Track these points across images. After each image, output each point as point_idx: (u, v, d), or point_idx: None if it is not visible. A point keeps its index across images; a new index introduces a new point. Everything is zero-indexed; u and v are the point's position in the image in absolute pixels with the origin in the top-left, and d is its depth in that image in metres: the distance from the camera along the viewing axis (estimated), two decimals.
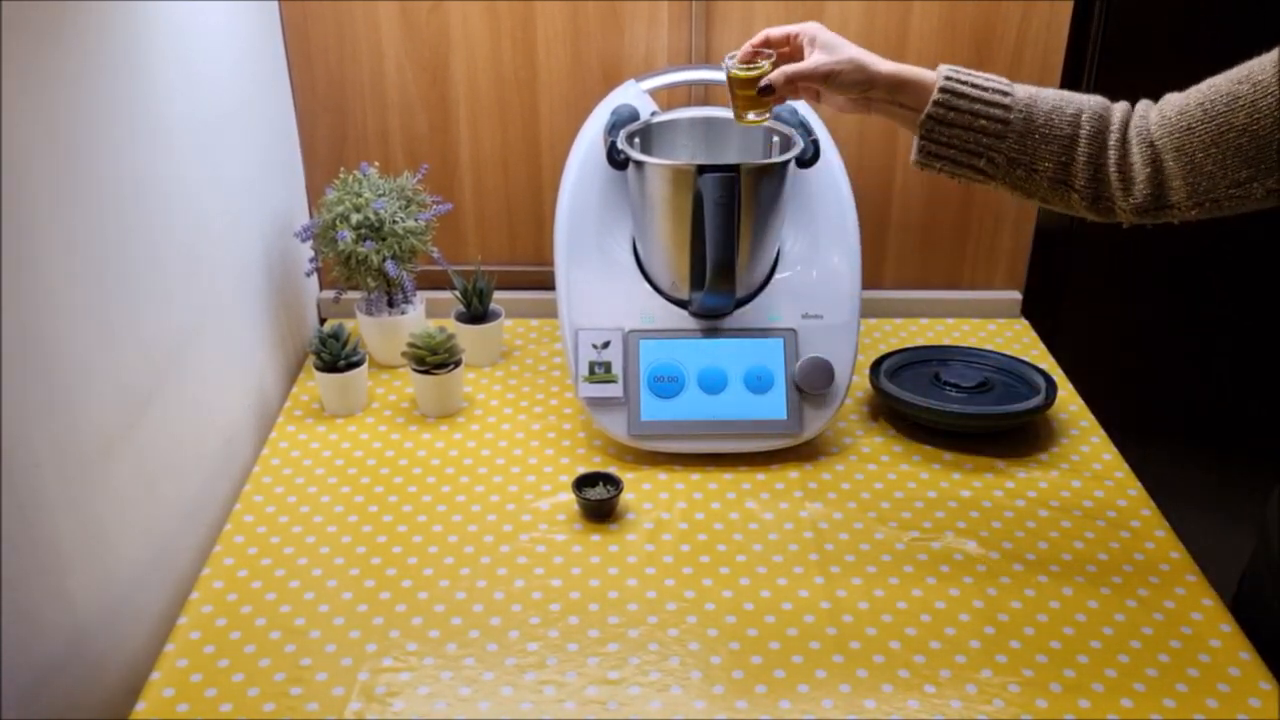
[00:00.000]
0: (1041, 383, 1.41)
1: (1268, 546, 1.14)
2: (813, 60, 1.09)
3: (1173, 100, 1.02)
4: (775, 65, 1.12)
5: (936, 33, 1.51)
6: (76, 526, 0.97)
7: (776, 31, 1.14)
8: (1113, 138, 1.04)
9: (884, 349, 1.57)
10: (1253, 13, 1.63)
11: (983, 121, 1.05)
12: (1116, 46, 1.63)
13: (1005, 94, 1.05)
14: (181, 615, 1.09)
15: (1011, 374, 1.46)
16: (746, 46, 1.14)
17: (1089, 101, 1.06)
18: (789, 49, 1.13)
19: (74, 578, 0.97)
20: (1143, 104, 1.05)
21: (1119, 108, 1.06)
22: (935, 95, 1.05)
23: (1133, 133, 1.03)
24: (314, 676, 1.02)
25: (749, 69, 1.12)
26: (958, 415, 1.35)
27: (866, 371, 1.46)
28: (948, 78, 1.06)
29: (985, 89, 1.05)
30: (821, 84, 1.09)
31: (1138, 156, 1.02)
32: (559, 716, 0.98)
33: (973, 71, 1.07)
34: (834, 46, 1.09)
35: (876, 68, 1.08)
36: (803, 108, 1.38)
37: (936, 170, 1.09)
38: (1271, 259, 1.78)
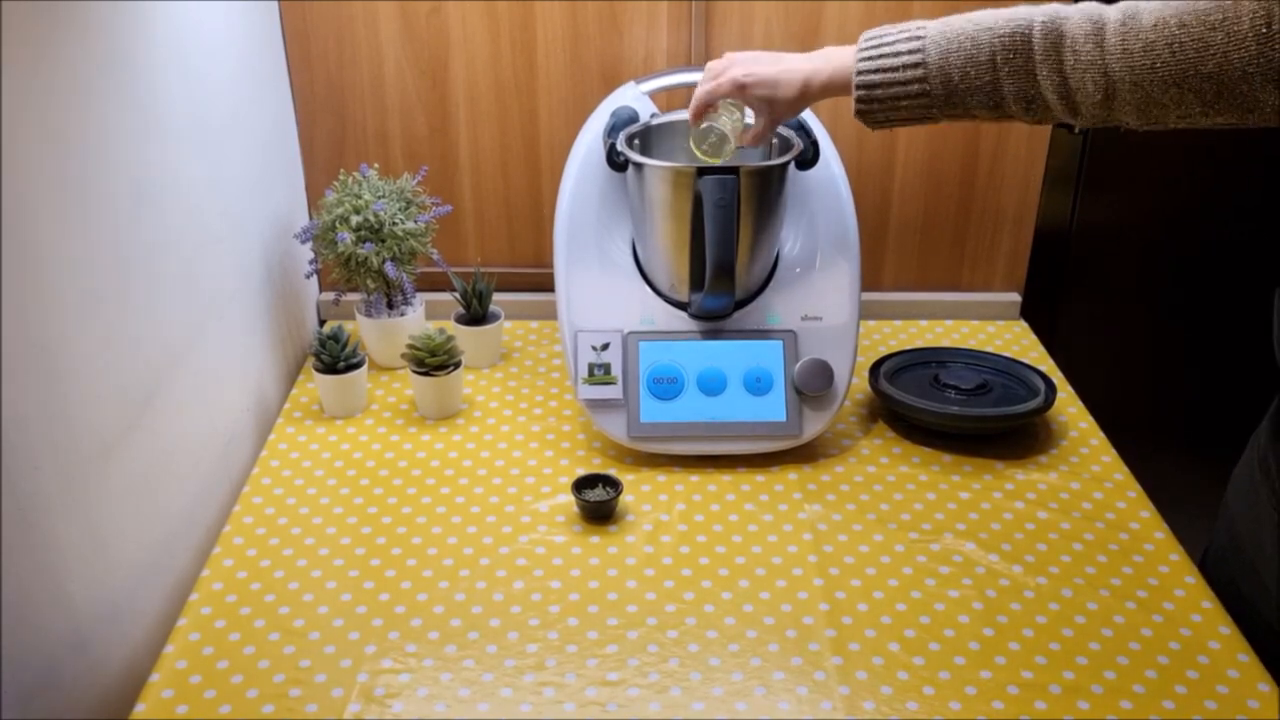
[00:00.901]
0: (1040, 385, 1.41)
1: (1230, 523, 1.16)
2: (757, 128, 1.20)
3: (1135, 30, 0.96)
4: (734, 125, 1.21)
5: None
6: (76, 528, 0.97)
7: (703, 93, 1.21)
8: (1043, 69, 1.01)
9: (883, 350, 1.58)
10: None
11: (905, 102, 1.08)
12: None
13: (917, 64, 1.06)
14: (181, 617, 1.09)
15: (1011, 376, 1.46)
16: (691, 111, 1.22)
17: (1003, 34, 1.02)
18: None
19: (73, 579, 0.97)
20: (1087, 20, 0.99)
21: (1040, 25, 1.01)
22: (854, 94, 1.10)
23: (1075, 59, 0.99)
24: (313, 678, 1.02)
25: (718, 153, 1.23)
26: (957, 417, 1.35)
27: (866, 373, 1.46)
28: (860, 71, 1.09)
29: (898, 68, 1.08)
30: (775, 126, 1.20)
31: (1088, 84, 0.99)
32: (558, 718, 0.98)
33: (885, 37, 1.09)
34: (763, 102, 1.17)
35: (795, 109, 1.17)
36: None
37: (891, 129, 1.13)
38: (1271, 261, 1.78)
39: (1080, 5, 1.01)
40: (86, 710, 0.99)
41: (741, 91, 1.18)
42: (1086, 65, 0.99)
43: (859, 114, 1.11)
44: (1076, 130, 1.08)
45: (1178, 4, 0.94)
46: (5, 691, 0.87)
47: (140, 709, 0.98)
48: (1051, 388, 1.40)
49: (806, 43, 1.52)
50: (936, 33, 1.06)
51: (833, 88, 1.13)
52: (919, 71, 1.06)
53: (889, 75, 1.08)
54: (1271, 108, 0.93)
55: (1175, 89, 0.96)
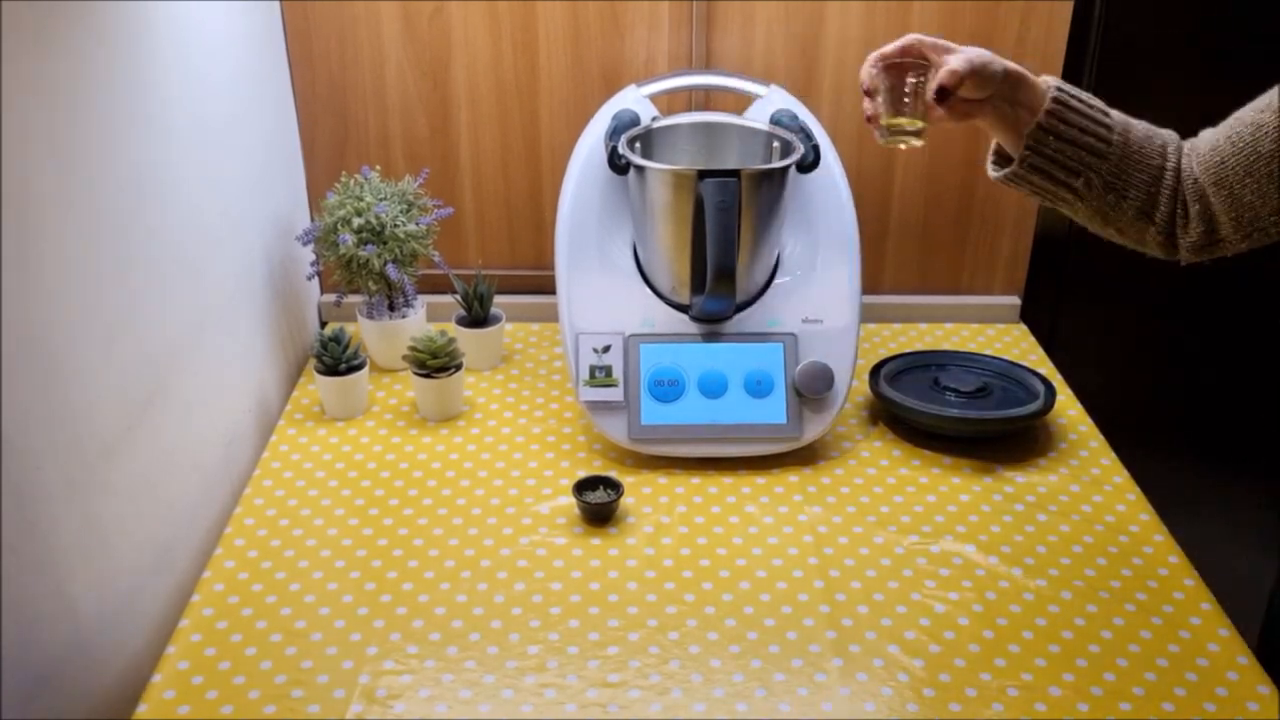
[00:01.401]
0: (1040, 388, 1.41)
1: None
2: (963, 58, 1.04)
3: (1206, 136, 1.04)
4: (920, 78, 1.07)
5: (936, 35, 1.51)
6: (77, 529, 0.97)
7: (889, 49, 1.07)
8: (1171, 179, 1.05)
9: (883, 353, 1.58)
10: (1251, 13, 1.64)
11: (1089, 138, 1.04)
12: (1116, 47, 1.63)
13: (1106, 114, 1.05)
14: (183, 617, 1.09)
15: (1010, 379, 1.46)
16: (872, 65, 1.07)
17: (1169, 134, 1.07)
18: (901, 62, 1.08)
19: (75, 580, 0.97)
20: (1189, 141, 1.06)
21: (1174, 144, 1.06)
22: (1048, 104, 1.04)
23: (1183, 173, 1.05)
24: (315, 679, 1.02)
25: (911, 119, 1.07)
26: (957, 420, 1.36)
27: (866, 376, 1.46)
28: (1059, 88, 1.04)
29: (1091, 105, 1.05)
30: (974, 78, 1.04)
31: (1190, 196, 1.04)
32: (559, 719, 0.98)
33: (1078, 91, 1.06)
34: (957, 46, 1.06)
35: (999, 66, 1.04)
36: (801, 111, 1.38)
37: (1029, 187, 1.07)
38: (1273, 264, 1.78)
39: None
40: (88, 711, 1.00)
41: (920, 41, 1.07)
42: (1187, 177, 1.04)
43: (1038, 128, 1.04)
44: (1183, 263, 1.08)
45: (1244, 107, 1.01)
46: (7, 691, 0.87)
47: (142, 709, 0.98)
48: (1051, 390, 1.40)
49: (808, 44, 1.52)
50: (1116, 112, 1.06)
51: (1019, 78, 1.04)
52: (1107, 119, 1.05)
53: (1082, 105, 1.05)
54: None
55: (1249, 178, 0.99)
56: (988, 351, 1.58)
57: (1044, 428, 1.41)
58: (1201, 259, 1.06)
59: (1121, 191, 1.05)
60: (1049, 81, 1.05)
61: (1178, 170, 1.05)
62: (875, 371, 1.46)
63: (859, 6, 1.50)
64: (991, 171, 1.11)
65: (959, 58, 1.04)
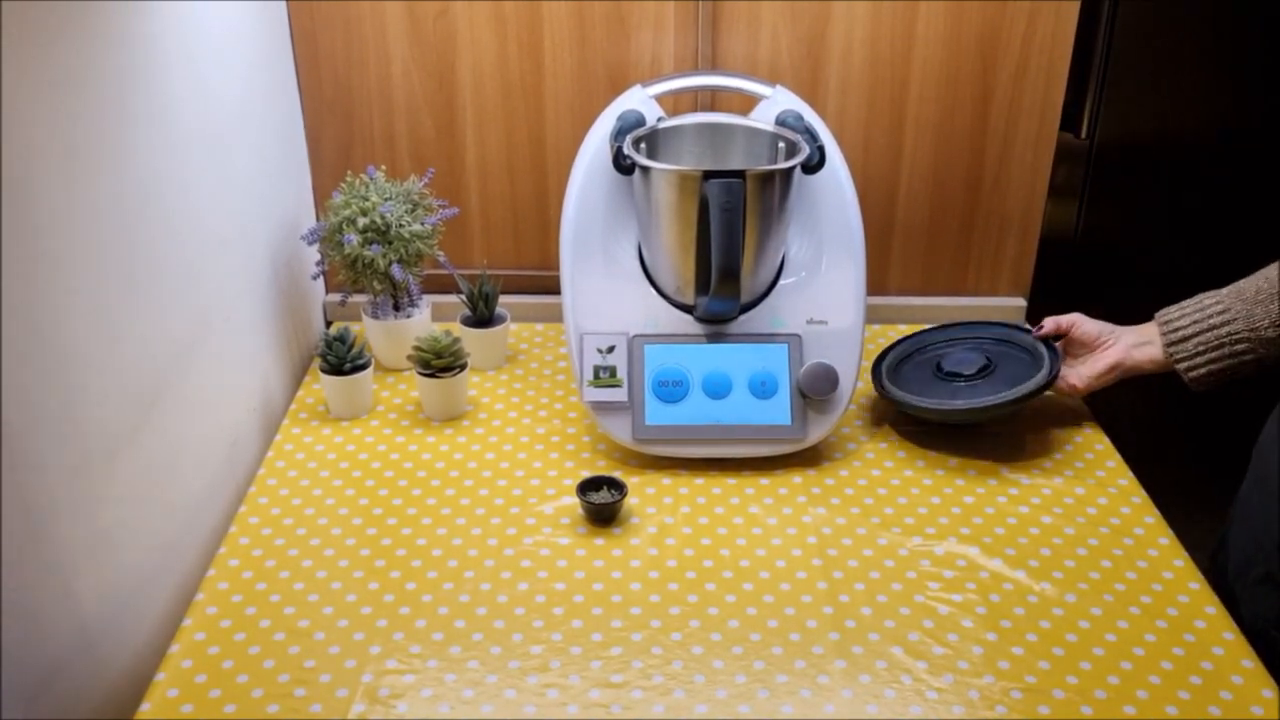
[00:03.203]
0: (1043, 351, 1.39)
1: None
2: (1102, 366, 1.33)
3: None
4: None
5: (942, 37, 1.51)
6: (82, 527, 0.97)
7: (1051, 330, 1.38)
8: None
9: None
10: (1259, 18, 1.63)
11: (1207, 317, 1.25)
12: (1122, 50, 1.63)
13: (1209, 296, 1.26)
14: (186, 616, 1.10)
15: (1012, 345, 1.43)
16: (1048, 326, 1.38)
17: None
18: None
19: (79, 578, 0.98)
20: None
21: None
22: (1159, 327, 1.28)
23: None
24: (318, 678, 1.02)
25: None
26: (965, 411, 1.34)
27: (869, 375, 1.45)
28: (1161, 311, 1.29)
29: (1190, 302, 1.27)
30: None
31: None
32: (561, 719, 0.98)
33: (1192, 325, 1.27)
34: (1105, 344, 1.34)
35: (1135, 357, 1.32)
36: (807, 112, 1.38)
37: (1218, 380, 1.27)
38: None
39: None
40: (92, 709, 1.00)
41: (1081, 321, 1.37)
42: None
43: (1169, 352, 1.29)
44: None
45: None
46: (11, 690, 0.88)
47: (145, 708, 0.99)
48: (1055, 353, 1.38)
49: (813, 45, 1.52)
50: (1232, 298, 1.25)
51: (1141, 339, 1.32)
52: (1211, 295, 1.26)
53: (1186, 306, 1.28)
54: None
55: None
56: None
57: (1048, 430, 1.41)
58: None
59: (1275, 323, 1.21)
60: (1163, 343, 1.29)
61: None
62: (877, 367, 1.45)
63: (865, 7, 1.50)
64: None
65: (1084, 373, 1.34)
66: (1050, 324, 1.37)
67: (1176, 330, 1.27)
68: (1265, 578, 1.17)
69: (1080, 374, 1.34)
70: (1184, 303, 1.28)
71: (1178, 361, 1.27)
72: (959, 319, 1.68)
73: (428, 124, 1.58)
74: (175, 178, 1.15)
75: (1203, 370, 1.26)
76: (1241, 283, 1.24)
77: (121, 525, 1.05)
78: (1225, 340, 1.24)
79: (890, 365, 1.45)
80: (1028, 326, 1.45)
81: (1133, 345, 1.32)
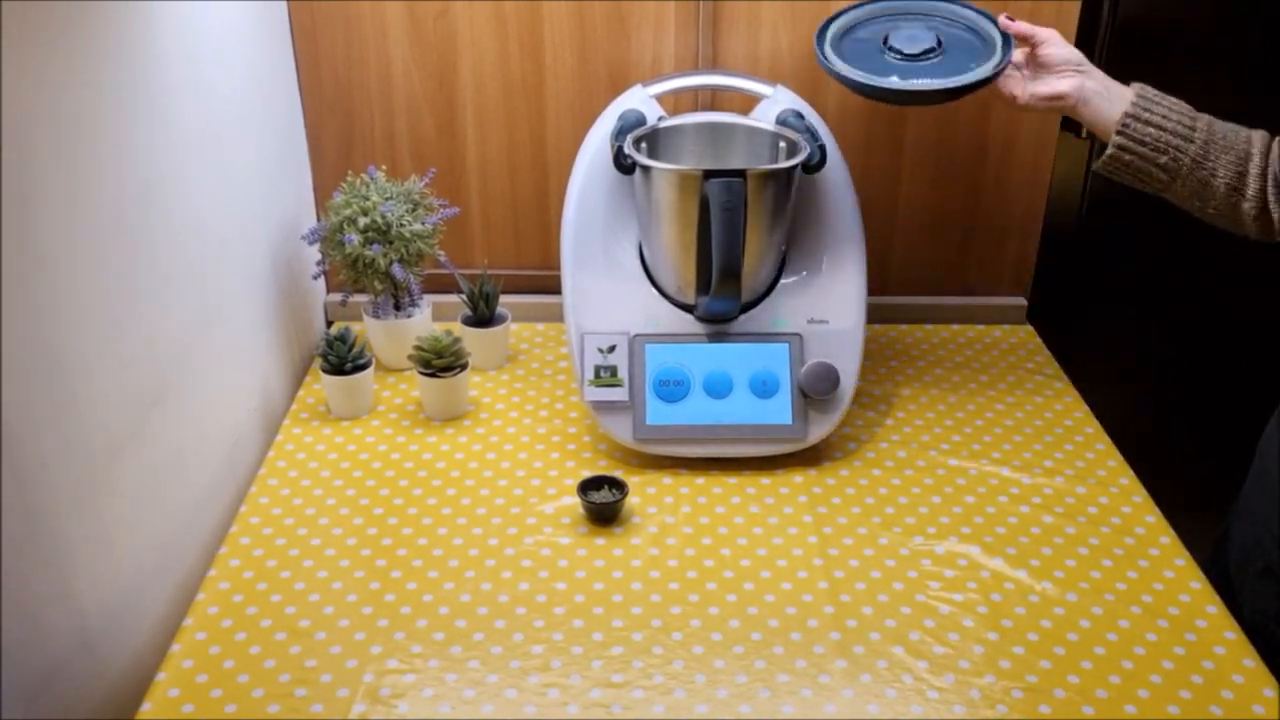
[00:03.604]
0: (999, 46, 1.28)
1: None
2: (1049, 90, 1.24)
3: None
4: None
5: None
6: (83, 527, 0.97)
7: (1021, 30, 1.27)
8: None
9: (889, 354, 1.58)
10: (1259, 18, 1.63)
11: (1173, 123, 1.17)
12: (1124, 45, 1.63)
13: (1189, 107, 1.19)
14: (187, 616, 1.10)
15: (972, 32, 1.32)
16: (1022, 26, 1.27)
17: (1258, 131, 1.18)
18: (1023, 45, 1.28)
19: (80, 578, 0.98)
20: None
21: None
22: (1133, 98, 1.19)
23: (1272, 162, 1.13)
24: (319, 678, 1.02)
25: None
26: (895, 92, 1.26)
27: (813, 43, 1.33)
28: (1142, 87, 1.21)
29: (1172, 101, 1.20)
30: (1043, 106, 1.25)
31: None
32: (562, 719, 0.98)
33: (1163, 103, 1.20)
34: (1065, 72, 1.24)
35: (1088, 100, 1.22)
36: (807, 112, 1.38)
37: (1123, 170, 1.21)
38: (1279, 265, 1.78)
39: None
40: (93, 709, 1.00)
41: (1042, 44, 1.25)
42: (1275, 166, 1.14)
43: (1124, 121, 1.19)
44: None
45: None
46: (11, 690, 0.88)
47: (146, 708, 0.99)
48: (1009, 49, 1.27)
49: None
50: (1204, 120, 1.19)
51: (1104, 91, 1.22)
52: (1189, 110, 1.19)
53: (1164, 99, 1.20)
54: None
55: None
56: (994, 352, 1.58)
57: (1049, 429, 1.41)
58: None
59: (1211, 170, 1.16)
60: (1134, 86, 1.20)
61: (1265, 158, 1.14)
62: (823, 30, 1.33)
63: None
64: (1097, 166, 1.24)
65: (1030, 88, 1.25)
66: (1024, 25, 1.26)
67: (1148, 111, 1.19)
68: (1265, 572, 1.17)
69: (1026, 87, 1.25)
70: (1169, 98, 1.21)
71: (1121, 133, 1.20)
72: (960, 319, 1.68)
73: (428, 123, 1.58)
74: (176, 178, 1.15)
75: (1128, 158, 1.20)
76: (1220, 123, 1.19)
77: (122, 525, 1.05)
78: (1168, 150, 1.18)
79: (837, 31, 1.33)
80: (1000, 18, 1.30)
81: (1095, 90, 1.22)
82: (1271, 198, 1.14)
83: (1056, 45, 1.24)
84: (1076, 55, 1.24)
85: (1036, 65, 1.26)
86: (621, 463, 1.33)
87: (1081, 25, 1.52)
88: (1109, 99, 1.21)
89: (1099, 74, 1.23)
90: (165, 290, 1.13)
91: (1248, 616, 1.13)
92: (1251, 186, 1.15)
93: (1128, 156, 1.20)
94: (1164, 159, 1.18)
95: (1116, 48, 1.63)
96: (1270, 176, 1.14)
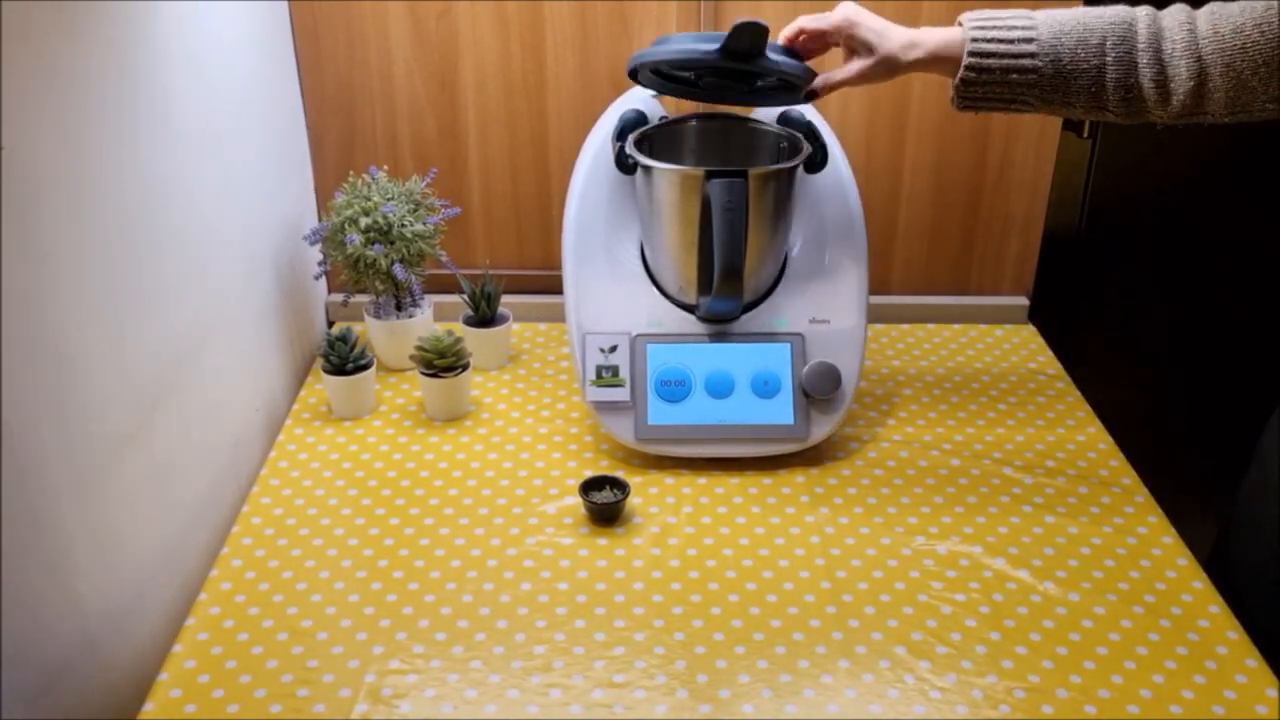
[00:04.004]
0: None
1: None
2: (850, 70, 1.17)
3: (1225, 15, 1.04)
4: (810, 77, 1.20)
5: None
6: (85, 527, 0.98)
7: (811, 25, 1.19)
8: (1143, 57, 1.07)
9: (890, 354, 1.58)
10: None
11: (1014, 76, 1.10)
12: None
13: (1030, 40, 1.09)
14: (189, 616, 1.10)
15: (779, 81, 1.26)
16: (782, 38, 1.20)
17: (1111, 22, 1.09)
18: (823, 41, 1.20)
19: (82, 578, 0.98)
20: (1180, 11, 1.07)
21: (1143, 20, 1.08)
22: (965, 62, 1.11)
23: (1172, 47, 1.06)
24: (321, 678, 1.02)
25: None
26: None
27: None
28: (974, 40, 1.10)
29: (1011, 40, 1.10)
30: (857, 85, 1.18)
31: (1181, 70, 1.06)
32: (564, 719, 0.98)
33: (996, 16, 1.11)
34: (869, 44, 1.15)
35: (903, 58, 1.13)
36: (811, 113, 1.38)
37: (976, 113, 1.16)
38: None
39: (1175, 5, 1.08)
40: (95, 709, 1.00)
41: (850, 27, 1.16)
42: (1182, 52, 1.05)
43: (963, 84, 1.12)
44: (1159, 126, 1.12)
45: None
46: (14, 690, 0.88)
47: (149, 708, 0.99)
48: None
49: None
50: (1046, 17, 1.11)
51: (941, 55, 1.13)
52: (1031, 47, 1.09)
53: (1002, 46, 1.10)
54: None
55: (1264, 68, 1.01)
56: (995, 352, 1.58)
57: (1051, 429, 1.41)
58: (1176, 123, 1.10)
59: (1064, 100, 1.11)
60: (968, 32, 1.11)
61: (1130, 57, 1.07)
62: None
63: (867, 6, 1.49)
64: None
65: (852, 69, 1.16)
66: (819, 84, 1.20)
67: (975, 79, 1.12)
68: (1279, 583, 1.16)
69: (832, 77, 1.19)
70: (999, 46, 1.11)
71: (961, 99, 1.14)
72: (962, 319, 1.68)
73: (430, 124, 1.58)
74: (177, 178, 1.15)
75: (981, 93, 1.13)
76: (1068, 39, 1.09)
77: (125, 525, 1.05)
78: (1016, 98, 1.12)
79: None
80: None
81: (903, 46, 1.14)
82: (1153, 100, 1.08)
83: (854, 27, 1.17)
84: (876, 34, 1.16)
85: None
86: (623, 463, 1.33)
87: None
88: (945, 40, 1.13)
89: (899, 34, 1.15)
90: (167, 290, 1.13)
91: (1264, 628, 1.11)
92: (1111, 97, 1.09)
93: (976, 110, 1.15)
94: (1014, 106, 1.12)
95: None
96: (1130, 87, 1.08)
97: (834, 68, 1.20)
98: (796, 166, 1.28)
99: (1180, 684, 1.02)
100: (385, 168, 1.53)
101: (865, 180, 1.51)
